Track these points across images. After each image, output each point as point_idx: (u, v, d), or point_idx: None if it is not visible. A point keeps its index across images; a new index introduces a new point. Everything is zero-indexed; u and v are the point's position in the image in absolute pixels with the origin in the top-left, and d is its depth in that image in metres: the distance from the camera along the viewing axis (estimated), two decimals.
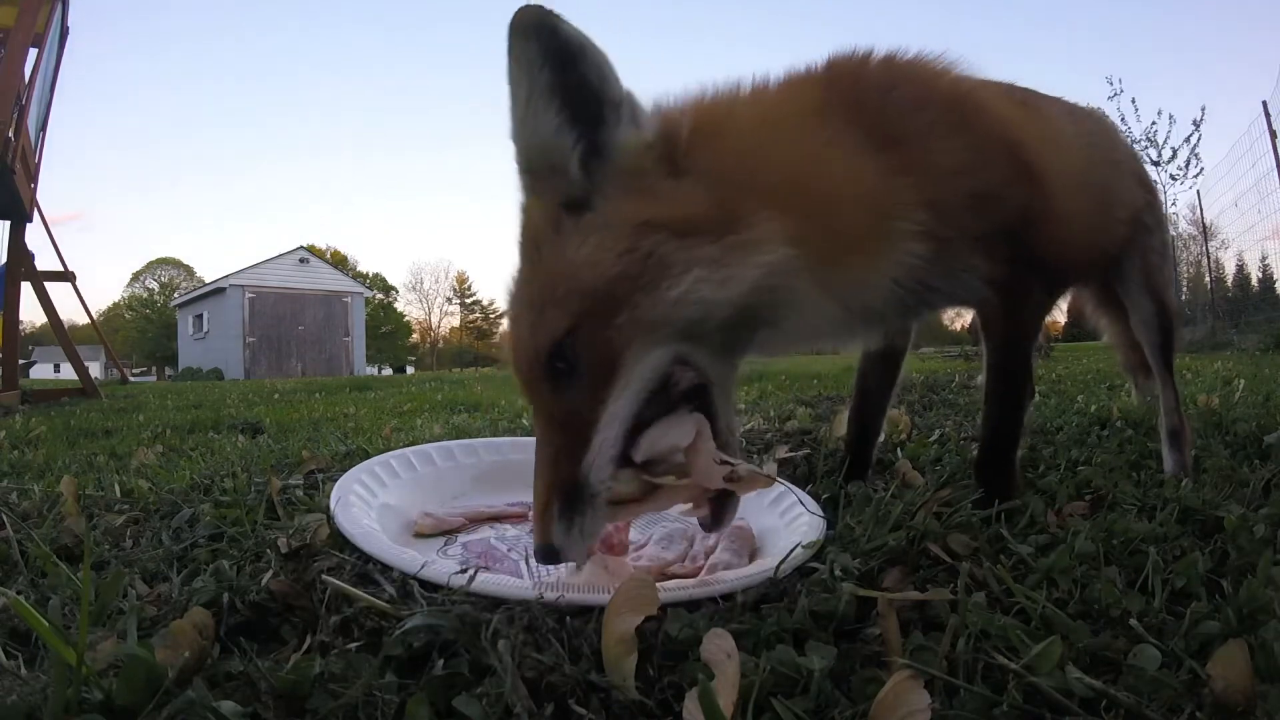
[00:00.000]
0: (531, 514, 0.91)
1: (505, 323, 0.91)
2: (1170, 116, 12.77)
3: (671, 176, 0.83)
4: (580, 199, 0.83)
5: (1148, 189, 1.54)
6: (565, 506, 0.81)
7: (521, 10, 0.76)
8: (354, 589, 0.85)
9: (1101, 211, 1.33)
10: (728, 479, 0.82)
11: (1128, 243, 1.47)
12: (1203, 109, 12.65)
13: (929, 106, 1.03)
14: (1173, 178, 12.81)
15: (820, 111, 0.95)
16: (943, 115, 1.03)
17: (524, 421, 2.74)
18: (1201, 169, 12.40)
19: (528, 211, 0.87)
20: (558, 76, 0.78)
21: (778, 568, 0.91)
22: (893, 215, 0.95)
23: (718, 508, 0.88)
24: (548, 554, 0.81)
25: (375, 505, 1.21)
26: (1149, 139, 12.83)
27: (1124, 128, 13.01)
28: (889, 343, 1.38)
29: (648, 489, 0.83)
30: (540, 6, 0.76)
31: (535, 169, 0.84)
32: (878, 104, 1.00)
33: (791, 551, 0.94)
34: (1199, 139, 12.41)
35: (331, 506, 1.12)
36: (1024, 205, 1.08)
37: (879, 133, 0.97)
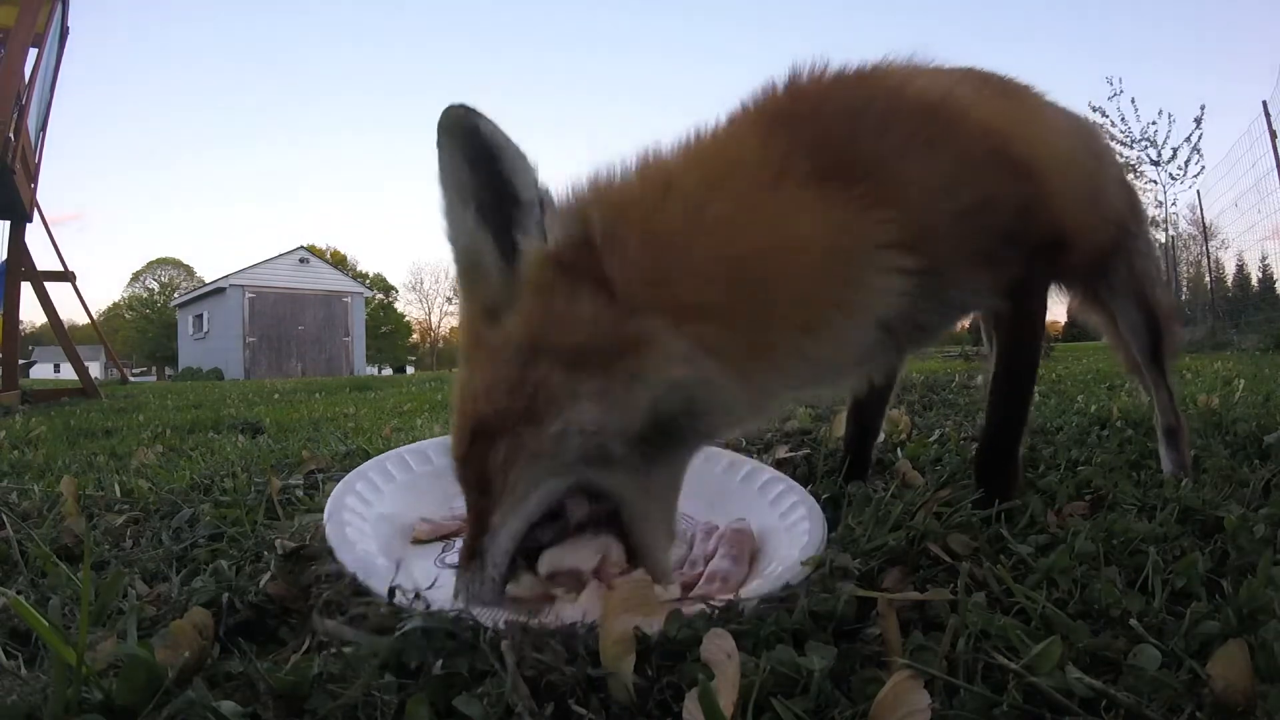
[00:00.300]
0: None
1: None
2: (1170, 116, 12.78)
3: (573, 290, 0.79)
4: (493, 307, 0.82)
5: (1129, 191, 1.52)
6: (469, 558, 0.83)
7: (447, 110, 0.76)
8: (350, 598, 0.84)
9: (1092, 197, 1.29)
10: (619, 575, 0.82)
11: (1114, 244, 1.43)
12: (1202, 106, 12.64)
13: (897, 124, 0.95)
14: (1172, 177, 12.83)
15: (762, 166, 0.87)
16: (915, 131, 0.95)
17: None
18: (1203, 167, 12.41)
19: (461, 311, 0.87)
20: (478, 177, 0.78)
21: (784, 588, 0.88)
22: (865, 264, 0.89)
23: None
24: (455, 592, 0.83)
25: (371, 517, 1.17)
26: (1149, 139, 12.84)
27: (1123, 127, 13.03)
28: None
29: (542, 596, 0.84)
30: (464, 106, 0.76)
31: (461, 269, 0.84)
32: (840, 132, 0.92)
33: (810, 572, 0.91)
34: (1200, 136, 12.41)
35: (325, 523, 1.06)
36: (1022, 204, 1.03)
37: (843, 166, 0.89)
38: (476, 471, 0.82)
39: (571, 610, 0.82)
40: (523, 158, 0.78)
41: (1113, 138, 13.07)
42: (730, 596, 0.88)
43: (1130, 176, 1.82)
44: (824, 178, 0.87)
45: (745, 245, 0.84)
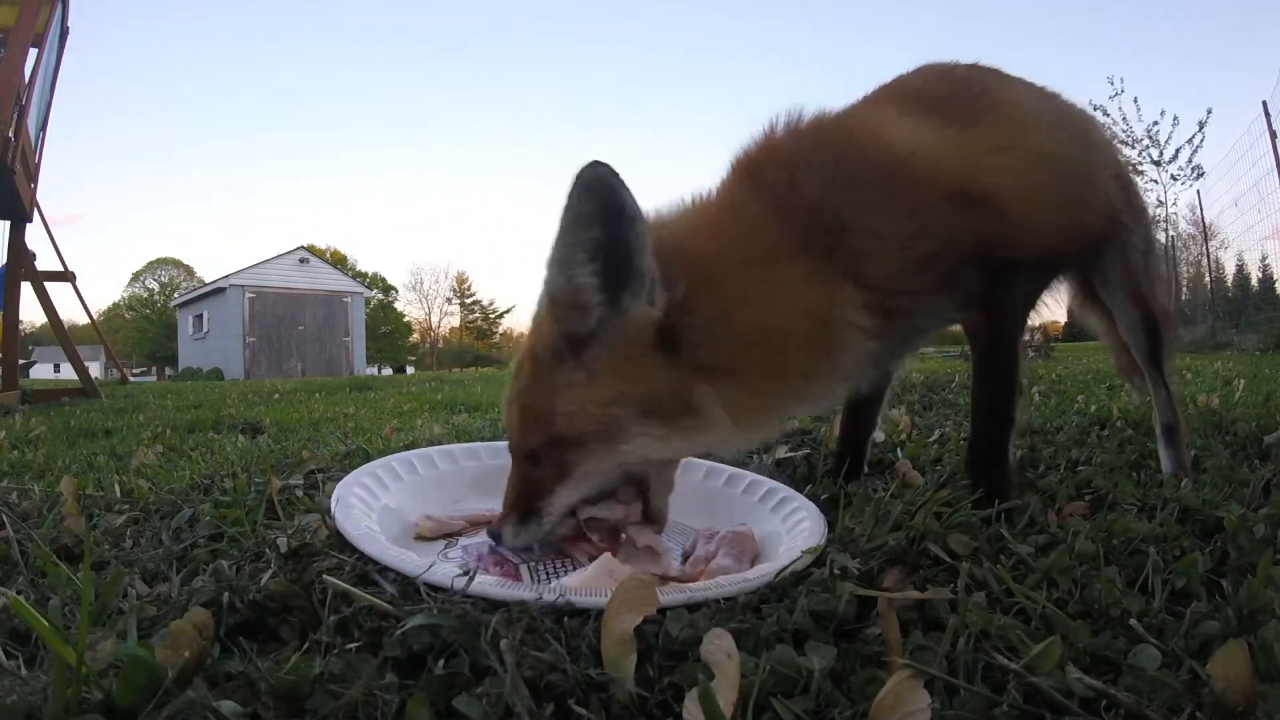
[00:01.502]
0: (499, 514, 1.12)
1: (511, 390, 1.08)
2: (1175, 118, 12.77)
3: (655, 353, 0.94)
4: (584, 339, 0.95)
5: (1126, 185, 1.47)
6: (520, 519, 1.06)
7: (590, 166, 0.84)
8: (354, 589, 0.85)
9: (1072, 189, 1.27)
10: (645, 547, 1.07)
11: (1107, 236, 1.41)
12: (1208, 110, 12.61)
13: (861, 189, 1.04)
14: (1173, 178, 12.82)
15: (770, 246, 1.00)
16: (879, 186, 1.04)
17: None
18: (1202, 174, 12.40)
19: (540, 324, 1.02)
20: (604, 235, 0.88)
21: (779, 574, 0.91)
22: (837, 324, 1.02)
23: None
24: (496, 536, 1.09)
25: (376, 508, 1.21)
26: (1151, 139, 12.84)
27: (1124, 127, 13.03)
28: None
29: (576, 534, 1.10)
30: (608, 167, 0.85)
31: (558, 301, 0.95)
32: (813, 193, 1.03)
33: (796, 560, 0.94)
34: (1203, 139, 12.40)
35: (331, 508, 1.12)
36: (983, 235, 1.09)
37: (819, 229, 1.01)
38: (543, 457, 1.02)
39: (573, 579, 0.91)
40: (647, 229, 0.89)
41: (1115, 137, 13.10)
42: (726, 580, 0.93)
43: (1129, 172, 1.79)
44: (804, 242, 1.01)
45: (771, 319, 0.98)
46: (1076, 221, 1.29)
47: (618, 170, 0.85)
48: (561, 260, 0.91)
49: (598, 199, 0.86)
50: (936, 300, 1.12)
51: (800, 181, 1.03)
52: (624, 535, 1.09)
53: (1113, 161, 1.46)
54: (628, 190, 0.86)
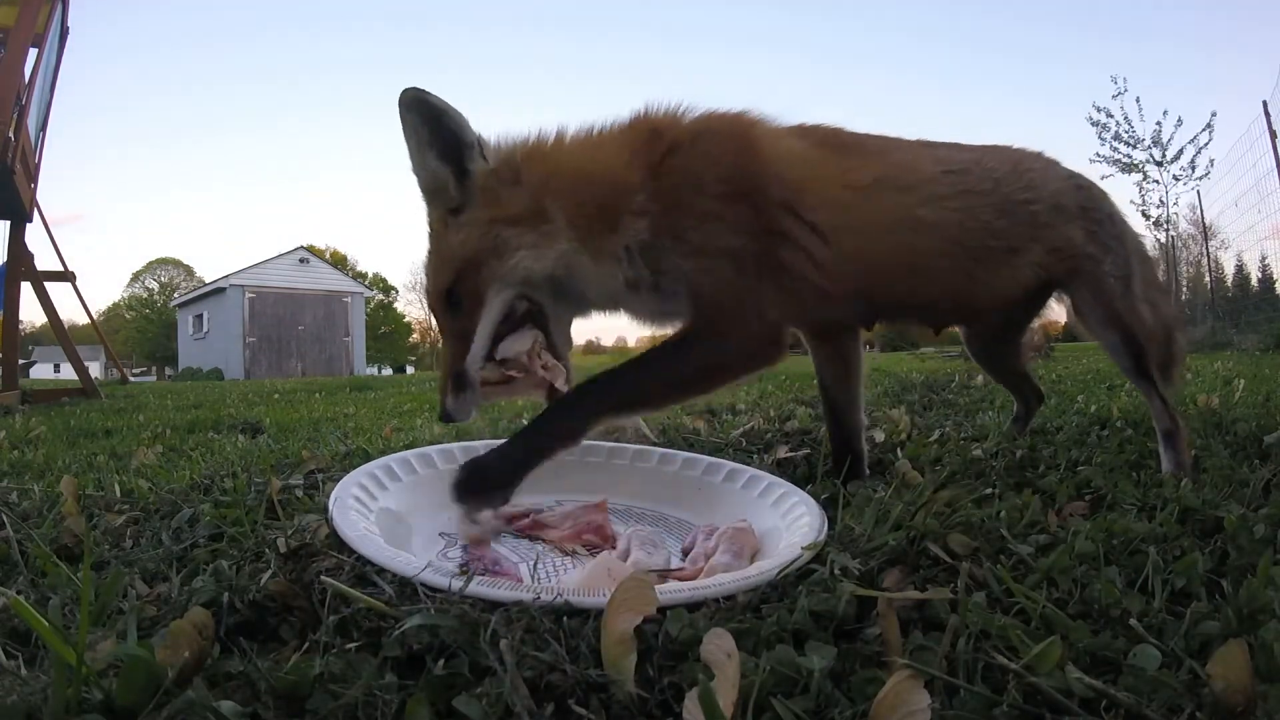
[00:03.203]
0: (439, 393, 1.25)
1: (426, 270, 1.30)
2: (1179, 119, 12.74)
3: (510, 188, 1.22)
4: (456, 207, 1.23)
5: (1091, 219, 1.54)
6: (455, 385, 1.21)
7: (404, 91, 1.16)
8: (352, 590, 0.85)
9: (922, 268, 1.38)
10: (544, 368, 1.24)
11: (1071, 275, 1.52)
12: (1213, 113, 12.57)
13: (692, 164, 1.25)
14: (1175, 178, 12.82)
15: (606, 137, 1.30)
16: (705, 187, 1.24)
17: (524, 421, 2.74)
18: (1205, 174, 12.39)
19: (429, 217, 1.29)
20: (432, 132, 1.19)
21: (780, 572, 0.91)
22: (624, 211, 1.22)
23: (552, 393, 1.25)
24: (445, 416, 1.22)
25: (375, 509, 1.21)
26: (1154, 140, 12.83)
27: (1126, 127, 13.01)
28: (835, 342, 1.56)
29: (503, 377, 1.24)
30: (416, 88, 1.16)
31: (428, 191, 1.26)
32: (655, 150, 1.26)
33: (796, 560, 0.94)
34: (1209, 140, 12.37)
35: (330, 509, 1.12)
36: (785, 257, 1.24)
37: (650, 173, 1.25)
38: (460, 293, 1.21)
39: (573, 579, 0.94)
40: (460, 116, 1.19)
41: (1117, 137, 13.09)
42: (721, 577, 0.94)
43: (1107, 203, 1.77)
44: (630, 155, 1.26)
45: (585, 171, 1.24)
46: (990, 276, 1.44)
47: (424, 87, 1.16)
48: (415, 161, 1.22)
49: (417, 109, 1.16)
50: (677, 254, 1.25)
51: (651, 140, 1.28)
52: (537, 365, 1.23)
53: (1069, 207, 1.53)
54: (435, 96, 1.16)
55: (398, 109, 1.17)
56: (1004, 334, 1.88)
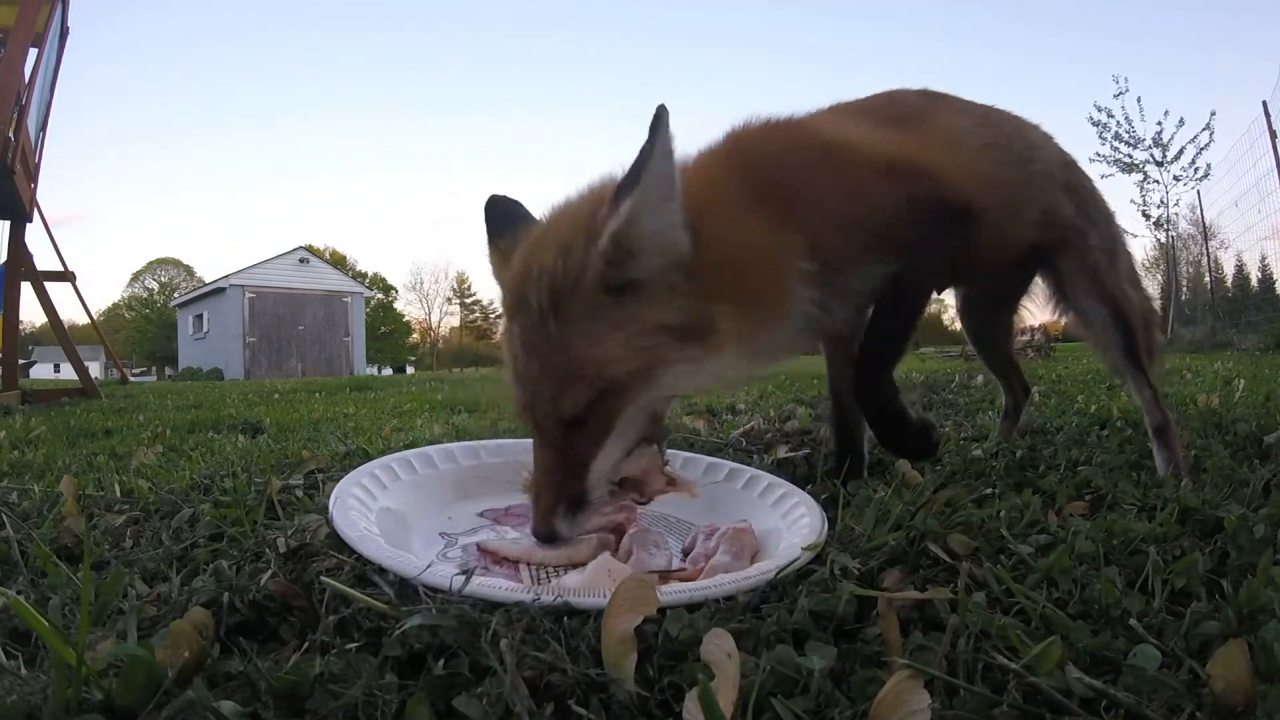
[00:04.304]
0: (531, 512, 1.07)
1: (513, 361, 1.03)
2: (1181, 119, 12.74)
3: (683, 285, 1.00)
4: (624, 285, 0.97)
5: (1079, 196, 1.57)
6: (569, 507, 1.01)
7: (661, 106, 0.90)
8: (352, 590, 0.85)
9: (1001, 194, 1.40)
10: (670, 483, 1.16)
11: (1060, 244, 1.54)
12: (1212, 113, 12.57)
13: (806, 163, 1.19)
14: (1176, 178, 12.82)
15: (739, 199, 1.12)
16: (817, 163, 1.20)
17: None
18: (1205, 175, 12.38)
19: (553, 287, 0.98)
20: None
21: (779, 572, 0.91)
22: (788, 268, 1.12)
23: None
24: (550, 538, 1.02)
25: (375, 508, 1.21)
26: (1155, 140, 12.83)
27: (1127, 127, 13.02)
28: (851, 343, 1.49)
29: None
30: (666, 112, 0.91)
31: (641, 243, 0.95)
32: (769, 165, 1.17)
33: (795, 561, 0.94)
34: (1210, 141, 12.37)
35: (330, 509, 1.12)
36: (907, 195, 1.23)
37: (772, 194, 1.13)
38: (590, 416, 1.00)
39: (573, 579, 0.93)
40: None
41: (1118, 137, 13.10)
42: (721, 577, 0.94)
43: (1089, 184, 1.80)
44: (767, 210, 1.12)
45: (748, 267, 1.07)
46: (1004, 215, 1.42)
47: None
48: (657, 199, 0.93)
49: (667, 134, 0.91)
50: (867, 258, 1.23)
51: (759, 160, 1.18)
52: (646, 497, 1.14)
53: (1062, 179, 1.57)
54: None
55: (658, 123, 0.91)
56: (999, 304, 1.90)
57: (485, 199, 1.22)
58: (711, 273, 1.01)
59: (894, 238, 1.23)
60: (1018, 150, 1.50)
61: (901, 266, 1.26)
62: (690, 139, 1.15)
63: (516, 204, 1.24)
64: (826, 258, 1.16)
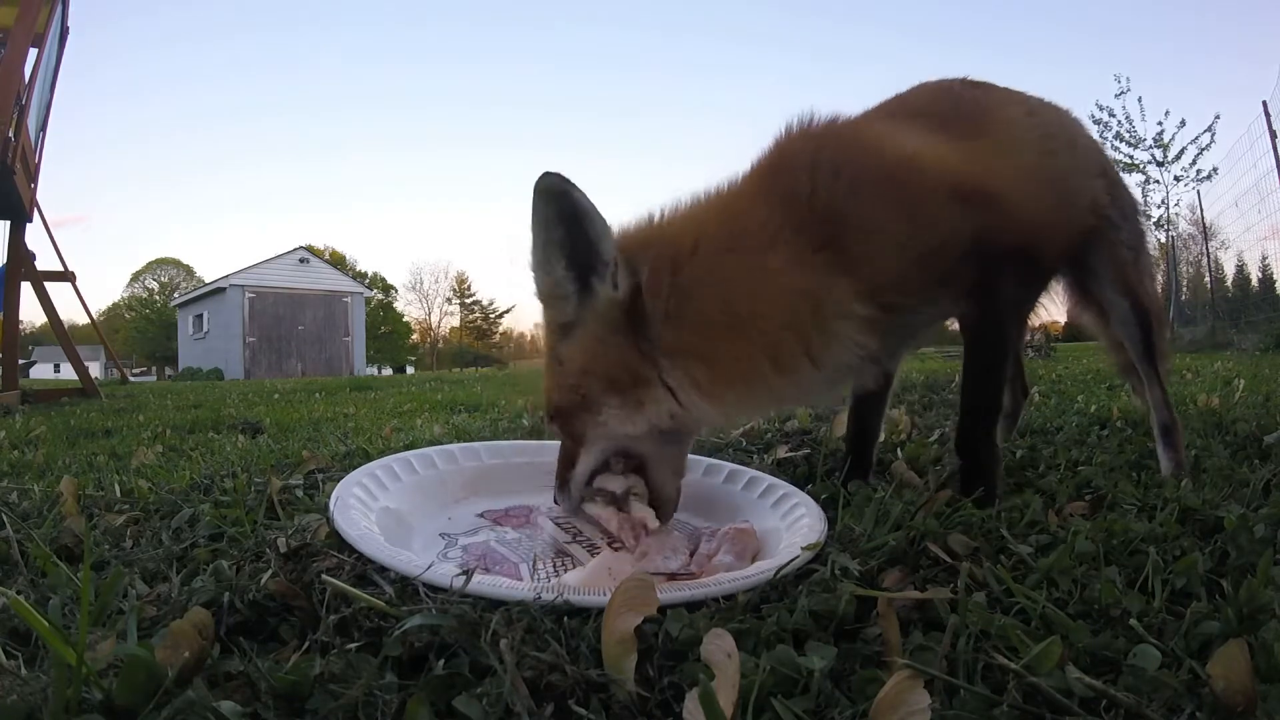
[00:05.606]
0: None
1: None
2: (1182, 120, 12.73)
3: (618, 329, 1.04)
4: (569, 325, 1.08)
5: (1111, 182, 1.52)
6: (560, 487, 1.17)
7: (544, 175, 0.96)
8: (352, 589, 0.85)
9: (1060, 194, 1.35)
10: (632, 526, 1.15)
11: (1093, 234, 1.46)
12: (1216, 115, 12.55)
13: (864, 181, 1.11)
14: (1176, 179, 12.81)
15: (758, 234, 1.07)
16: (879, 186, 1.11)
17: (524, 422, 2.74)
18: (1208, 175, 12.37)
19: (544, 317, 1.13)
20: (567, 234, 1.00)
21: (779, 572, 0.91)
22: (831, 318, 1.08)
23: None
24: (555, 502, 1.18)
25: (375, 508, 1.21)
26: (1156, 140, 12.82)
27: (1126, 127, 13.02)
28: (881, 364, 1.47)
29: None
30: (560, 175, 0.95)
31: (544, 296, 1.08)
32: (817, 190, 1.10)
33: (794, 560, 0.94)
34: (1212, 141, 12.36)
35: (330, 508, 1.12)
36: (977, 230, 1.14)
37: (818, 224, 1.08)
38: (563, 429, 1.14)
39: (573, 579, 0.93)
40: (604, 224, 1.00)
41: (1119, 136, 13.08)
42: (723, 575, 0.94)
43: (1118, 170, 1.80)
44: (805, 240, 1.07)
45: (743, 303, 1.05)
46: (1064, 219, 1.36)
47: (568, 175, 0.96)
48: (539, 262, 1.04)
49: (556, 203, 0.97)
50: (931, 297, 1.18)
51: (806, 179, 1.11)
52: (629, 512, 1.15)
53: (1098, 163, 1.52)
54: (579, 191, 0.97)
55: (532, 194, 0.96)
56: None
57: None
58: (672, 324, 1.04)
59: (962, 276, 1.16)
60: (1069, 136, 1.45)
61: (978, 310, 1.22)
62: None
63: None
64: (884, 300, 1.10)
